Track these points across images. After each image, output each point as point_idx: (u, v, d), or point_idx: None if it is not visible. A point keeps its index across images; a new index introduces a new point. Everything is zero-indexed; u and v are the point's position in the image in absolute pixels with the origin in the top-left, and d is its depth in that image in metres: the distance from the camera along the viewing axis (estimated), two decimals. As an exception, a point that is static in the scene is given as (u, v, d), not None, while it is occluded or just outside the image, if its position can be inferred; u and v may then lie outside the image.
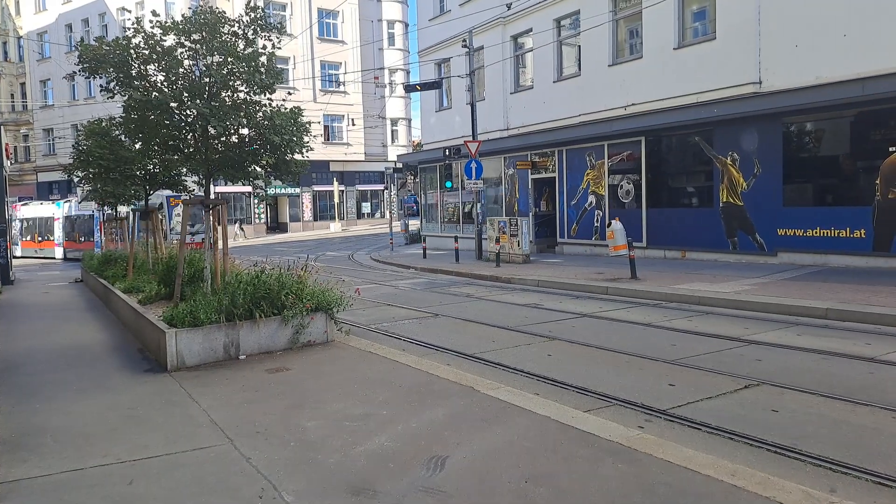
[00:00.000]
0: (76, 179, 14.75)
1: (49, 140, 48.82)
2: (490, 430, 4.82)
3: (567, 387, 6.26)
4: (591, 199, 19.21)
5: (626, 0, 18.06)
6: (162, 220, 24.22)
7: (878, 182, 12.84)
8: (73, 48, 41.90)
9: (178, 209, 22.82)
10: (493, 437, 4.69)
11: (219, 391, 6.23)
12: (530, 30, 21.19)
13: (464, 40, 20.42)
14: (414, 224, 32.07)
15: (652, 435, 4.75)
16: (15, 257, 33.30)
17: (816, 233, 13.86)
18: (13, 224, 34.98)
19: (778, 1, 14.20)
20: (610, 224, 15.66)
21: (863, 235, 13.11)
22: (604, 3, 18.21)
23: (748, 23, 14.70)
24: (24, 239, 34.39)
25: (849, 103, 12.96)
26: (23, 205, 36.02)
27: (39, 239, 33.37)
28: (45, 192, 48.66)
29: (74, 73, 8.66)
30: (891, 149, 12.63)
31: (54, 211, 32.89)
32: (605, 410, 5.52)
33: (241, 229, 41.74)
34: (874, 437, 4.76)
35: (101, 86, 8.79)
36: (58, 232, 32.34)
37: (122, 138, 12.16)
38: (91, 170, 12.86)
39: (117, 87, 8.42)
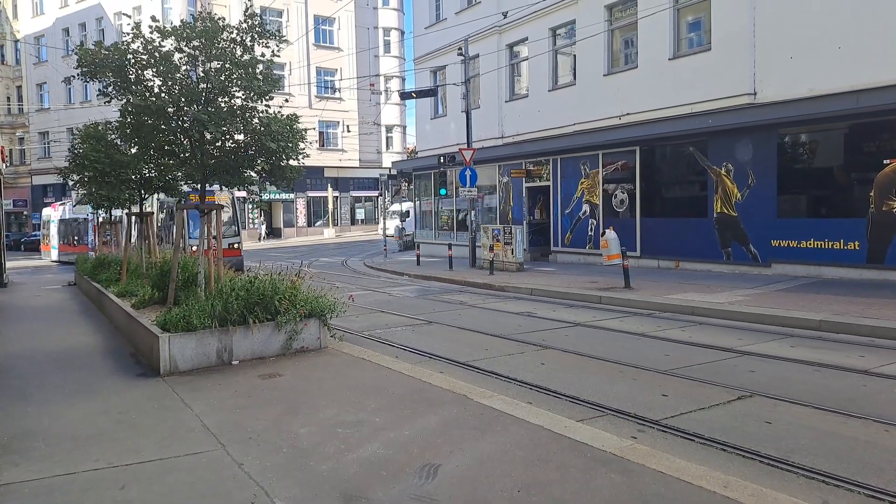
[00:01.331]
0: (71, 183, 14.73)
1: (44, 143, 48.72)
2: (483, 438, 4.82)
3: (560, 396, 6.26)
4: (586, 207, 19.27)
5: (622, 10, 18.17)
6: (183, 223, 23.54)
7: (872, 194, 12.91)
8: (70, 52, 41.59)
9: (226, 208, 19.54)
10: (485, 445, 4.68)
11: (211, 396, 6.21)
12: (526, 39, 21.28)
13: (459, 48, 20.47)
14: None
15: (645, 445, 4.75)
16: (53, 261, 33.08)
17: (810, 244, 13.92)
18: (51, 226, 34.43)
19: (773, 13, 14.30)
20: (604, 233, 15.65)
21: (857, 247, 13.17)
22: (599, 13, 18.32)
23: (743, 34, 14.79)
24: (62, 242, 32.99)
25: (843, 115, 13.04)
26: (60, 205, 34.38)
27: (76, 242, 31.58)
28: (39, 195, 48.58)
29: (73, 76, 8.66)
30: (885, 161, 12.70)
31: (88, 212, 30.10)
32: (598, 420, 5.52)
33: (266, 232, 41.70)
34: (867, 450, 4.77)
35: (98, 90, 8.81)
36: (90, 235, 30.07)
37: (118, 142, 12.18)
38: (86, 173, 12.85)
39: (114, 92, 8.44)
